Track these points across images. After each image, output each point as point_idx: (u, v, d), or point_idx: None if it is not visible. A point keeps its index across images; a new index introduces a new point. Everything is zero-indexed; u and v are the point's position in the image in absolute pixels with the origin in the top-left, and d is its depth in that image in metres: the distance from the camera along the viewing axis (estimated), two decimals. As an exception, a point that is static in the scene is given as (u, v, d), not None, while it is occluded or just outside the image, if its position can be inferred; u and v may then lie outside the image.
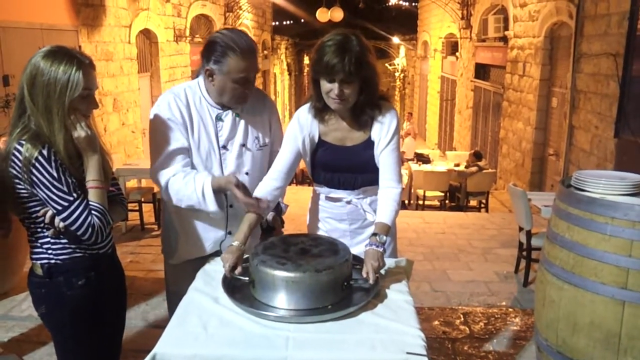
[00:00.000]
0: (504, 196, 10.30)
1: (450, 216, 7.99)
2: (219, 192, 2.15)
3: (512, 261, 5.35)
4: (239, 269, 1.97)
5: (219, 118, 2.25)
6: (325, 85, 2.10)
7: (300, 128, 2.26)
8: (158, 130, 2.19)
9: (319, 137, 2.26)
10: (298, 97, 31.47)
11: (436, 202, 9.45)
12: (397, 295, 1.91)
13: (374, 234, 2.06)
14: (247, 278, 1.91)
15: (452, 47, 15.65)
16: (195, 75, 2.32)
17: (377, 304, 1.84)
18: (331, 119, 2.24)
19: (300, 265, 1.80)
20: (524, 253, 4.97)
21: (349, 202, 2.30)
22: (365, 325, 1.71)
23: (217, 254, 2.25)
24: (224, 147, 2.26)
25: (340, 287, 1.84)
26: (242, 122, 2.28)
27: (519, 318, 3.81)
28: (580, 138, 7.69)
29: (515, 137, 10.29)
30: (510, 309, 4.05)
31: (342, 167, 2.26)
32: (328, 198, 2.33)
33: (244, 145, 2.28)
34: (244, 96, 2.19)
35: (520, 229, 5.08)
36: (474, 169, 9.32)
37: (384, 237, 2.05)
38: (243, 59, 2.10)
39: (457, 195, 9.62)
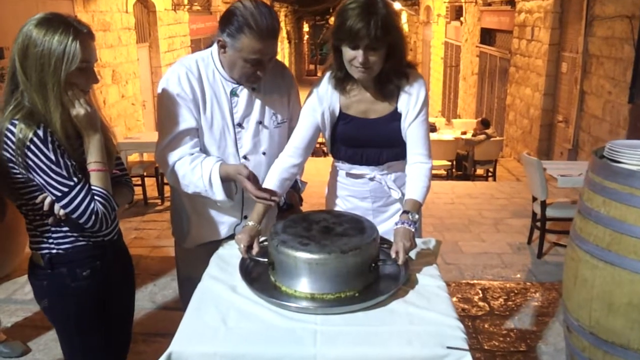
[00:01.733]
0: (510, 164, 10.16)
1: (458, 185, 7.86)
2: (228, 181, 1.96)
3: (525, 232, 5.25)
4: (255, 249, 1.83)
5: (233, 93, 2.04)
6: (348, 52, 1.91)
7: (319, 100, 2.07)
8: (166, 108, 1.99)
9: (340, 110, 2.08)
10: (298, 66, 31.12)
11: (443, 172, 9.30)
12: (429, 280, 1.77)
13: (405, 212, 1.90)
14: (265, 259, 1.76)
15: (456, 12, 15.29)
16: (207, 44, 2.11)
17: (408, 290, 1.69)
18: (353, 89, 2.06)
19: (324, 246, 1.65)
20: (538, 223, 4.85)
21: (372, 179, 2.14)
22: (397, 316, 1.57)
23: (232, 237, 2.09)
24: (239, 124, 2.06)
25: (367, 269, 1.69)
26: (259, 97, 2.08)
27: (539, 293, 3.69)
28: (592, 104, 7.49)
29: (523, 104, 10.09)
30: (529, 284, 3.93)
31: (365, 141, 2.09)
32: (349, 175, 2.17)
33: (260, 122, 2.08)
34: (255, 77, 1.98)
35: (534, 199, 4.95)
36: (482, 137, 9.14)
37: (416, 215, 1.89)
38: (259, 40, 1.86)
39: (464, 164, 9.46)
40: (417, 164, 2.05)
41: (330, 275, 1.63)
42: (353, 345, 1.44)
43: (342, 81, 2.04)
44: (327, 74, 2.08)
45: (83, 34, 1.59)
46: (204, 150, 2.04)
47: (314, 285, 1.64)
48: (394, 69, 1.98)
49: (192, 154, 1.99)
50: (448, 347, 1.43)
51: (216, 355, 1.42)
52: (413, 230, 1.84)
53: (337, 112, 2.09)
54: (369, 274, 1.70)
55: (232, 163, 2.04)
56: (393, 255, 1.77)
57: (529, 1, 9.66)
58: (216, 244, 2.04)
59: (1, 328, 3.05)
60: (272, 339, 1.46)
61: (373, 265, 1.71)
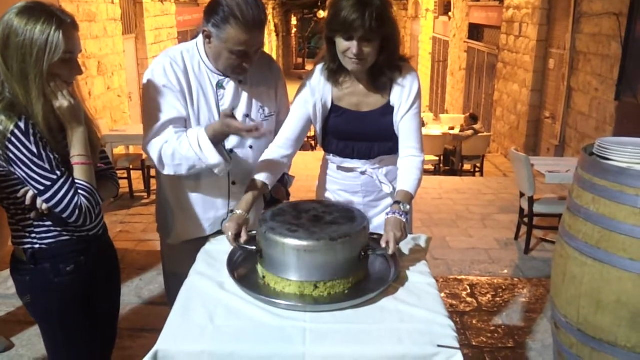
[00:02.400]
0: (498, 160, 10.20)
1: (446, 181, 7.86)
2: (217, 143, 1.88)
3: (512, 227, 5.26)
4: (243, 237, 1.79)
5: (220, 85, 2.00)
6: (342, 43, 1.89)
7: (311, 92, 2.05)
8: (152, 99, 1.94)
9: (332, 102, 2.06)
10: (286, 59, 30.99)
11: (430, 167, 9.31)
12: (419, 277, 1.75)
13: (397, 202, 1.88)
14: (253, 247, 1.73)
15: (444, 7, 15.30)
16: (193, 35, 2.06)
17: (398, 288, 1.68)
18: (346, 81, 2.04)
19: (313, 233, 1.62)
20: (525, 219, 4.86)
21: (363, 173, 2.12)
22: (388, 313, 1.55)
23: (219, 233, 2.06)
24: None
25: (357, 257, 1.66)
26: (246, 89, 2.04)
27: (527, 289, 3.70)
28: (579, 100, 7.53)
29: (510, 100, 10.12)
30: (517, 280, 3.94)
31: (357, 134, 2.07)
32: (340, 168, 2.15)
33: (247, 115, 2.04)
34: (240, 69, 1.93)
35: (521, 194, 4.96)
36: (469, 132, 9.17)
37: (407, 206, 1.87)
38: (245, 32, 1.82)
39: (451, 159, 9.48)
40: (409, 157, 2.03)
41: (319, 262, 1.60)
42: (342, 344, 1.42)
43: (335, 73, 2.02)
44: (320, 66, 2.06)
45: (66, 24, 1.55)
46: None
47: (303, 273, 1.61)
48: (387, 62, 1.97)
49: (177, 134, 1.93)
50: (439, 346, 1.41)
51: (204, 353, 1.39)
52: (404, 220, 1.82)
53: (329, 105, 2.07)
54: (358, 262, 1.67)
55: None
56: (383, 245, 1.75)
57: (518, -3, 9.69)
58: (202, 240, 2.00)
59: (-17, 323, 3.00)
60: (261, 337, 1.44)
61: (363, 253, 1.68)
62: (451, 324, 1.51)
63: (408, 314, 1.55)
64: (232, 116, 1.81)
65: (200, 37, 1.96)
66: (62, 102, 1.56)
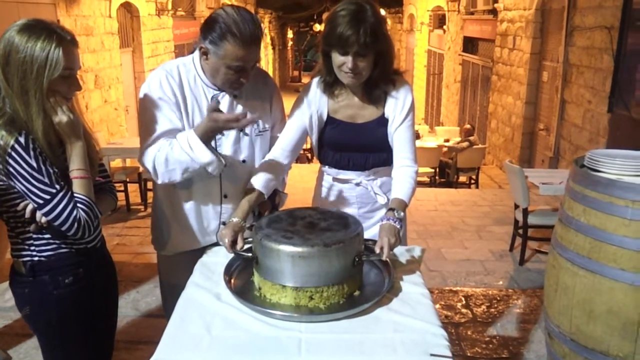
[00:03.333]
0: (493, 171, 10.26)
1: (441, 193, 7.91)
2: (208, 141, 1.89)
3: (507, 239, 5.29)
4: (239, 244, 1.82)
5: (215, 99, 2.04)
6: (337, 58, 1.95)
7: (307, 104, 2.11)
8: (148, 111, 1.98)
9: (328, 114, 2.12)
10: (282, 72, 31.11)
11: (426, 179, 9.35)
12: (413, 288, 1.78)
13: (391, 209, 1.92)
14: (250, 254, 1.76)
15: (439, 20, 15.44)
16: (190, 50, 2.10)
17: (392, 298, 1.70)
18: (341, 94, 2.10)
19: (307, 240, 1.65)
20: (520, 231, 4.89)
21: (358, 184, 2.16)
22: (382, 324, 1.57)
23: (215, 245, 2.09)
24: None
25: (351, 263, 1.69)
26: (241, 103, 2.08)
27: (521, 300, 3.72)
28: (572, 113, 7.60)
29: (505, 112, 10.20)
30: (511, 290, 3.97)
31: (352, 146, 2.12)
32: (336, 179, 2.19)
33: (241, 130, 2.07)
34: (237, 84, 1.98)
35: (516, 206, 5.00)
36: (465, 144, 9.23)
37: (402, 213, 1.91)
38: (242, 47, 1.86)
39: (447, 172, 9.53)
40: (403, 167, 2.07)
41: (314, 269, 1.63)
42: (337, 354, 1.44)
43: (331, 86, 2.08)
44: (316, 79, 2.11)
45: (66, 41, 1.59)
46: None
47: (298, 280, 1.64)
48: (381, 75, 2.02)
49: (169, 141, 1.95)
50: (432, 355, 1.44)
51: (200, 363, 1.41)
52: (398, 227, 1.85)
53: (324, 116, 2.11)
54: (352, 268, 1.70)
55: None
56: (377, 251, 1.77)
57: (511, 11, 9.80)
58: (197, 251, 2.03)
59: (-20, 336, 3.01)
60: (257, 348, 1.46)
61: (357, 259, 1.71)
62: (444, 334, 1.53)
63: (402, 324, 1.57)
64: (218, 110, 1.84)
65: (197, 52, 2.00)
66: (61, 117, 1.59)
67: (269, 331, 1.53)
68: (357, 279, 1.75)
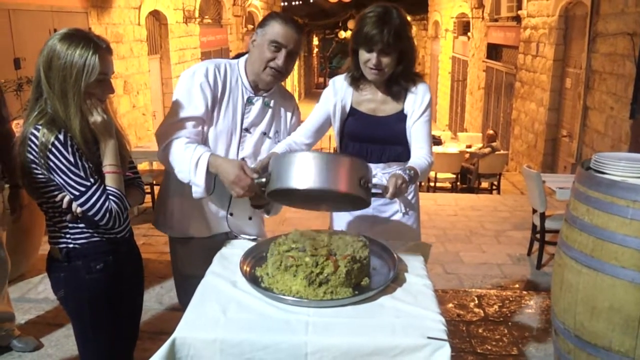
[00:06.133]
0: (515, 178, 10.24)
1: (462, 198, 7.95)
2: (212, 173, 2.04)
3: (525, 243, 5.33)
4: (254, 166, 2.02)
5: (249, 101, 2.24)
6: (363, 55, 2.16)
7: (334, 92, 2.32)
8: (184, 90, 2.16)
9: (351, 106, 2.31)
10: (308, 78, 31.30)
11: (447, 184, 9.40)
12: (416, 279, 1.89)
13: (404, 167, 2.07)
14: (263, 179, 1.89)
15: (463, 27, 15.47)
16: (235, 57, 2.32)
17: (396, 288, 1.83)
18: (366, 88, 2.30)
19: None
20: (537, 235, 4.93)
21: (374, 176, 2.30)
22: (385, 310, 1.70)
23: (227, 236, 2.28)
24: (247, 130, 2.24)
25: (357, 181, 1.80)
26: (270, 111, 2.28)
27: (534, 301, 3.79)
28: (595, 119, 7.60)
29: (528, 118, 10.19)
30: (525, 292, 4.03)
31: (371, 137, 2.29)
32: None
33: (265, 133, 2.28)
34: (276, 69, 2.14)
35: (534, 211, 5.05)
36: (487, 150, 9.25)
37: (413, 172, 2.02)
38: (283, 26, 2.11)
39: (468, 177, 9.56)
40: (420, 154, 2.21)
41: (323, 168, 1.76)
42: (341, 335, 1.57)
43: (357, 80, 2.28)
44: (345, 73, 2.33)
45: (102, 48, 1.77)
46: (207, 145, 2.17)
47: (309, 180, 1.75)
48: (403, 73, 2.22)
49: (189, 139, 2.09)
50: (429, 337, 1.55)
51: (216, 341, 1.55)
52: (407, 178, 1.96)
53: (347, 107, 2.31)
54: (359, 187, 1.80)
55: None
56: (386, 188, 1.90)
57: (534, 17, 9.81)
58: (207, 241, 2.23)
59: (16, 324, 3.19)
60: (267, 328, 1.60)
61: (363, 181, 1.81)
62: (442, 320, 1.64)
63: (403, 310, 1.69)
64: (246, 173, 1.96)
65: (243, 57, 2.24)
66: (96, 117, 1.77)
67: (279, 314, 1.66)
68: (365, 202, 1.87)
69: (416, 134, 2.24)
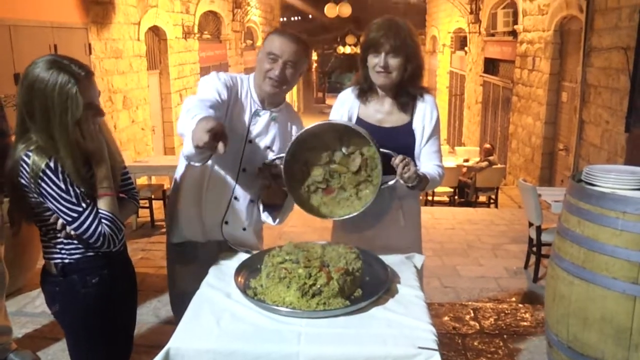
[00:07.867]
0: (513, 191, 10.27)
1: (459, 212, 7.97)
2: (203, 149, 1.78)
3: (522, 257, 5.34)
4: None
5: (256, 113, 2.28)
6: (372, 60, 2.25)
7: (341, 103, 2.42)
8: (207, 83, 2.20)
9: (358, 117, 2.38)
10: (307, 93, 31.41)
11: (445, 198, 9.43)
12: (408, 290, 1.92)
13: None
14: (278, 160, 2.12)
15: (460, 42, 15.58)
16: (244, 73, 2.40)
17: (388, 298, 1.85)
18: (373, 100, 2.37)
19: None
20: (534, 249, 4.95)
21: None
22: (376, 320, 1.72)
23: (221, 246, 2.29)
24: (251, 141, 2.27)
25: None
26: (277, 126, 2.32)
27: (529, 314, 3.80)
28: (591, 133, 7.64)
29: (525, 132, 10.25)
30: (520, 305, 4.05)
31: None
32: None
33: (269, 147, 2.31)
34: (273, 79, 2.17)
35: (530, 224, 5.07)
36: (484, 164, 9.30)
37: (422, 174, 2.13)
38: (279, 37, 2.18)
39: (466, 191, 9.60)
40: (430, 165, 2.32)
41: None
42: (333, 345, 1.59)
43: (365, 92, 2.36)
44: (352, 87, 2.41)
45: (82, 77, 1.75)
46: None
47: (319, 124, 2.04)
48: (410, 80, 2.29)
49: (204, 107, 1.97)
50: (419, 347, 1.57)
51: (209, 351, 1.58)
52: (415, 169, 2.07)
53: (354, 118, 2.37)
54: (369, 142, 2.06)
55: (228, 170, 2.25)
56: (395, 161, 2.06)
57: (530, 32, 9.90)
58: (200, 251, 2.30)
59: (13, 338, 3.19)
60: (261, 338, 1.62)
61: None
62: (433, 330, 1.67)
63: (395, 321, 1.71)
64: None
65: (253, 74, 2.30)
66: (87, 145, 1.79)
67: (272, 325, 1.69)
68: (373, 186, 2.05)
69: (427, 152, 2.35)
